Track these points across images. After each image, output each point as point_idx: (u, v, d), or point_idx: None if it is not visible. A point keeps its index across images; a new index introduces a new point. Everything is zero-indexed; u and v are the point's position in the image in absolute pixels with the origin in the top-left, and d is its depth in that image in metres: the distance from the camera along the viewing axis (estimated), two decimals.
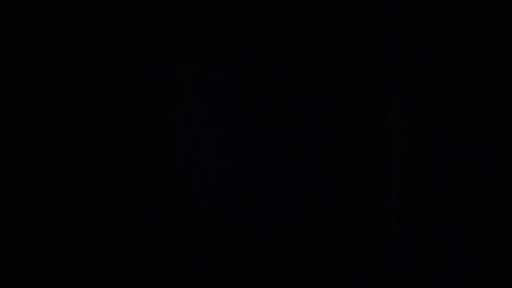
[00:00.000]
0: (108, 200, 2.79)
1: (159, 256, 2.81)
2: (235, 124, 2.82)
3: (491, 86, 2.68)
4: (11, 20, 2.78)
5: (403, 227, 2.73)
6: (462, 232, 2.69)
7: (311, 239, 2.79)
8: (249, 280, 2.81)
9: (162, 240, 2.81)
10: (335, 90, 2.81)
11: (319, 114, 2.80)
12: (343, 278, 2.79)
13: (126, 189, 2.81)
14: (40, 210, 2.78)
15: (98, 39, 2.82)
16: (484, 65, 2.68)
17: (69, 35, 2.81)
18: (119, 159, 2.81)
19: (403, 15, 2.74)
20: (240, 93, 2.82)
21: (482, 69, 2.68)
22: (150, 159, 2.81)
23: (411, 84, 2.73)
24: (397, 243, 2.74)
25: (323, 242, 2.79)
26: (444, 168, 2.70)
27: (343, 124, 2.80)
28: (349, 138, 2.79)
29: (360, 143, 2.79)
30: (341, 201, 2.79)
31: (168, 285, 2.81)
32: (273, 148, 2.81)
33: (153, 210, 2.81)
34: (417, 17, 2.72)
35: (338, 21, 2.81)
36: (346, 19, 2.80)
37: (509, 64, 2.67)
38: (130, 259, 2.80)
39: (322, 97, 2.81)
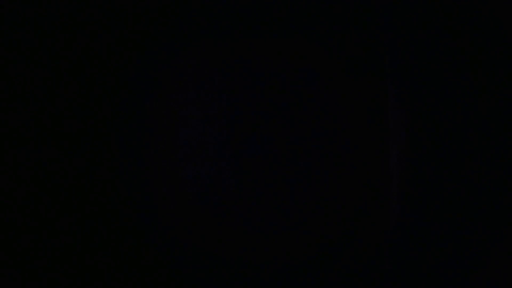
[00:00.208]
0: (107, 199, 2.79)
1: (159, 256, 2.80)
2: (235, 124, 2.82)
3: (491, 85, 2.69)
4: (12, 20, 2.78)
5: (403, 225, 2.73)
6: (462, 231, 2.69)
7: (311, 238, 2.79)
8: (249, 279, 2.80)
9: (162, 240, 2.80)
10: (335, 89, 2.81)
11: (319, 113, 2.81)
12: (343, 278, 2.78)
13: (126, 189, 2.80)
14: (40, 210, 2.77)
15: (98, 39, 2.83)
16: (483, 64, 2.69)
17: (69, 35, 2.82)
18: (119, 159, 2.81)
19: (403, 15, 2.75)
20: (240, 93, 2.82)
21: (482, 68, 2.69)
22: (150, 159, 2.81)
23: (410, 83, 2.74)
24: (397, 242, 2.74)
25: (323, 241, 2.79)
26: (444, 167, 2.70)
27: (343, 123, 2.80)
28: (349, 137, 2.80)
29: (360, 142, 2.80)
30: (341, 200, 2.79)
31: (168, 285, 2.80)
32: (273, 147, 2.81)
33: (152, 210, 2.81)
34: (416, 17, 2.74)
35: (338, 21, 2.82)
36: (346, 19, 2.82)
37: (508, 63, 2.69)
38: (130, 259, 2.79)
39: (322, 97, 2.81)
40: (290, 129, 2.81)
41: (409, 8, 2.75)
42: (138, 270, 2.79)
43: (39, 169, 2.77)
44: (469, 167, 2.69)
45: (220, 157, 2.81)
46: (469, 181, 2.69)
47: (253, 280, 2.80)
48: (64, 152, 2.79)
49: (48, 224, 2.77)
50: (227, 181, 2.81)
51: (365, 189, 2.78)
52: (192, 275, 2.80)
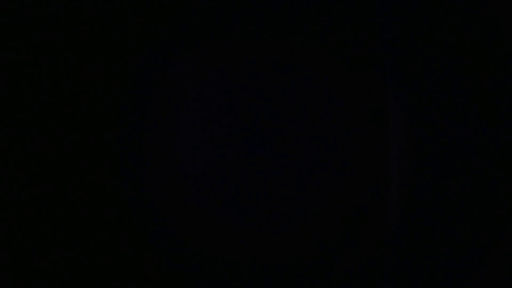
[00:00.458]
0: (107, 199, 2.79)
1: (158, 256, 2.80)
2: (235, 124, 2.82)
3: (491, 86, 2.69)
4: (12, 20, 2.78)
5: (403, 225, 2.73)
6: (463, 231, 2.69)
7: (310, 238, 2.79)
8: (249, 279, 2.80)
9: (161, 240, 2.80)
10: (335, 89, 2.81)
11: (318, 113, 2.81)
12: (343, 278, 2.79)
13: (126, 188, 2.80)
14: (40, 210, 2.77)
15: (98, 39, 2.83)
16: (484, 64, 2.69)
17: (68, 35, 2.82)
18: (119, 159, 2.81)
19: (403, 14, 2.75)
20: (240, 93, 2.82)
21: (482, 68, 2.69)
22: (149, 159, 2.81)
23: (410, 83, 2.74)
24: (397, 242, 2.74)
25: (322, 241, 2.79)
26: (444, 167, 2.70)
27: (342, 123, 2.80)
28: (349, 137, 2.80)
29: (360, 142, 2.80)
30: (340, 199, 2.79)
31: (168, 285, 2.80)
32: (273, 147, 2.81)
33: (152, 210, 2.81)
34: (417, 17, 2.74)
35: (338, 20, 2.82)
36: (346, 18, 2.82)
37: (508, 63, 2.69)
38: (129, 259, 2.79)
39: (322, 96, 2.81)
40: (290, 129, 2.81)
41: (409, 8, 2.75)
42: (138, 269, 2.80)
43: (38, 169, 2.78)
44: (469, 167, 2.69)
45: (219, 157, 2.81)
46: (469, 181, 2.69)
47: (253, 280, 2.80)
48: (63, 152, 2.79)
49: (46, 224, 2.77)
50: (227, 181, 2.81)
51: (365, 189, 2.78)
52: (192, 275, 2.80)
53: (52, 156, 2.79)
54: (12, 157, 2.77)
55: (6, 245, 2.76)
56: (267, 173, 2.80)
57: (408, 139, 2.72)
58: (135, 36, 2.84)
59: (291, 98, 2.81)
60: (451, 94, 2.71)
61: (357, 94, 2.81)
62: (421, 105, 2.72)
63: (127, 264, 2.79)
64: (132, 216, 2.80)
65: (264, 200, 2.80)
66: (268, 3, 2.83)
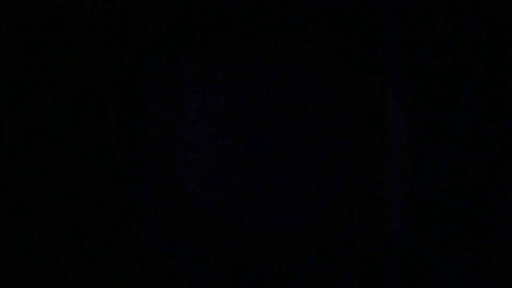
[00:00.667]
0: (107, 199, 2.79)
1: (158, 256, 2.80)
2: (235, 124, 2.82)
3: (491, 85, 2.69)
4: (13, 20, 2.78)
5: (403, 225, 2.73)
6: (462, 230, 2.69)
7: (311, 238, 2.79)
8: (249, 279, 2.80)
9: (161, 239, 2.81)
10: (335, 89, 2.81)
11: (319, 113, 2.81)
12: (344, 278, 2.79)
13: (126, 188, 2.80)
14: (41, 210, 2.77)
15: (99, 39, 2.83)
16: (483, 64, 2.69)
17: (70, 35, 2.82)
18: (119, 159, 2.81)
19: (403, 15, 2.75)
20: (240, 93, 2.82)
21: (481, 68, 2.69)
22: (150, 158, 2.81)
23: (410, 83, 2.74)
24: (397, 242, 2.74)
25: (323, 241, 2.79)
26: (444, 166, 2.70)
27: (343, 123, 2.80)
28: (349, 137, 2.80)
29: (360, 141, 2.80)
30: (341, 199, 2.79)
31: (168, 285, 2.80)
32: (273, 147, 2.81)
33: (152, 209, 2.81)
34: (417, 18, 2.74)
35: (338, 21, 2.82)
36: (346, 19, 2.82)
37: (507, 63, 2.69)
38: (129, 259, 2.79)
39: (323, 97, 2.81)
40: (290, 129, 2.81)
41: (410, 8, 2.75)
42: (138, 269, 2.80)
43: (39, 169, 2.78)
44: (469, 167, 2.69)
45: (220, 157, 2.81)
46: (469, 181, 2.69)
47: (253, 280, 2.80)
48: (64, 151, 2.79)
49: (47, 224, 2.77)
50: (227, 180, 2.81)
51: (365, 189, 2.78)
52: (192, 275, 2.81)
53: (52, 156, 2.79)
54: (12, 157, 2.77)
55: (6, 245, 2.76)
56: (267, 173, 2.80)
57: (408, 139, 2.72)
58: (136, 37, 2.84)
59: (291, 98, 2.81)
60: (451, 94, 2.71)
61: (358, 95, 2.81)
62: (421, 105, 2.72)
63: (127, 264, 2.79)
64: (132, 216, 2.80)
65: (264, 200, 2.80)
66: (269, 5, 2.83)
